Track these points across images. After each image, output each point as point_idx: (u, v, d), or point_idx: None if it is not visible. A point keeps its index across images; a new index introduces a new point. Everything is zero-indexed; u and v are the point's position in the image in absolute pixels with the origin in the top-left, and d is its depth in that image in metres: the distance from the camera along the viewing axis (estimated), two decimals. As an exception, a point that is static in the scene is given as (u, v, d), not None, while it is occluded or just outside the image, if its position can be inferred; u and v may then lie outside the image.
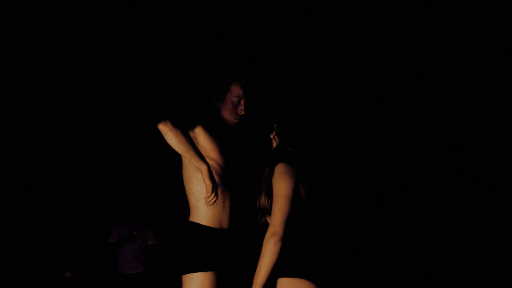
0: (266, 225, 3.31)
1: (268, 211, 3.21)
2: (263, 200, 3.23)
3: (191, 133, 3.47)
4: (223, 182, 3.50)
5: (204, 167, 3.33)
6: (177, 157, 3.61)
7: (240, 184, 3.58)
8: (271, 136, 3.37)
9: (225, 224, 3.47)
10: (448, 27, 6.58)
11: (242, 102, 3.58)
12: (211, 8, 6.17)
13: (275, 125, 3.35)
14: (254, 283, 3.03)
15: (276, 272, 3.13)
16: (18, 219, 7.98)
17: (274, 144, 3.35)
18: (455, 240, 7.44)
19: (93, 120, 7.94)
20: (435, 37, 6.70)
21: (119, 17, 6.26)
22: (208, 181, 3.31)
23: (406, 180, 7.56)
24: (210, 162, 3.45)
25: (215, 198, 3.32)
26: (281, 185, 3.09)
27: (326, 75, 6.97)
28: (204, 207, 3.42)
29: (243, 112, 3.58)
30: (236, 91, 3.57)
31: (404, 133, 7.38)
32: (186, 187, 3.52)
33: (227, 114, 3.59)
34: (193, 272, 3.33)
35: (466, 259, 7.31)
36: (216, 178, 3.44)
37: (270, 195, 3.19)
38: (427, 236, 7.53)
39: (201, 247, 3.38)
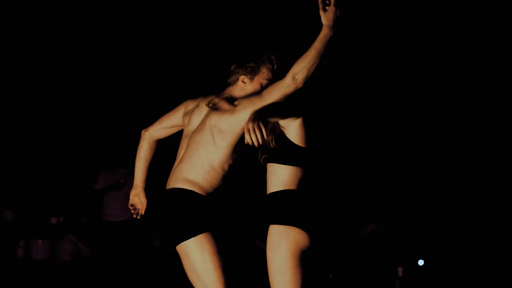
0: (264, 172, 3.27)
1: (268, 149, 3.17)
2: (266, 137, 3.19)
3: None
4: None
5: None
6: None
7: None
8: None
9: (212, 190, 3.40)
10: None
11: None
12: None
13: None
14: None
15: (268, 219, 3.15)
16: (4, 165, 7.96)
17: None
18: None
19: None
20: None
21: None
22: None
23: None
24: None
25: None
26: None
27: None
28: (207, 177, 3.36)
29: None
30: (266, 74, 3.48)
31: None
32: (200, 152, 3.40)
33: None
34: (188, 238, 3.29)
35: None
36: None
37: (273, 132, 3.16)
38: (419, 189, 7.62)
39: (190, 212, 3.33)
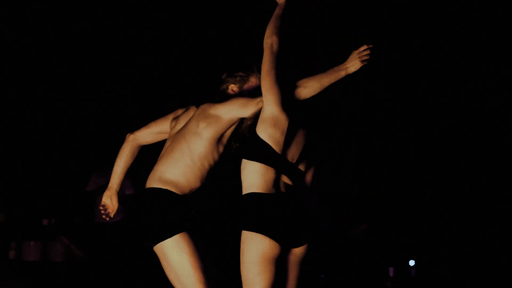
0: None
1: (241, 138, 3.19)
2: (243, 127, 3.21)
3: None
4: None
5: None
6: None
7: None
8: None
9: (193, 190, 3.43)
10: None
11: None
12: None
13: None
14: None
15: (238, 224, 3.15)
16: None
17: None
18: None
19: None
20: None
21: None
22: None
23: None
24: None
25: None
26: None
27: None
28: (185, 172, 3.36)
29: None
30: (255, 83, 3.51)
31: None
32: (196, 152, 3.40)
33: None
34: (164, 239, 3.29)
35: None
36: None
37: (251, 118, 3.18)
38: (402, 193, 7.64)
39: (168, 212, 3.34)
